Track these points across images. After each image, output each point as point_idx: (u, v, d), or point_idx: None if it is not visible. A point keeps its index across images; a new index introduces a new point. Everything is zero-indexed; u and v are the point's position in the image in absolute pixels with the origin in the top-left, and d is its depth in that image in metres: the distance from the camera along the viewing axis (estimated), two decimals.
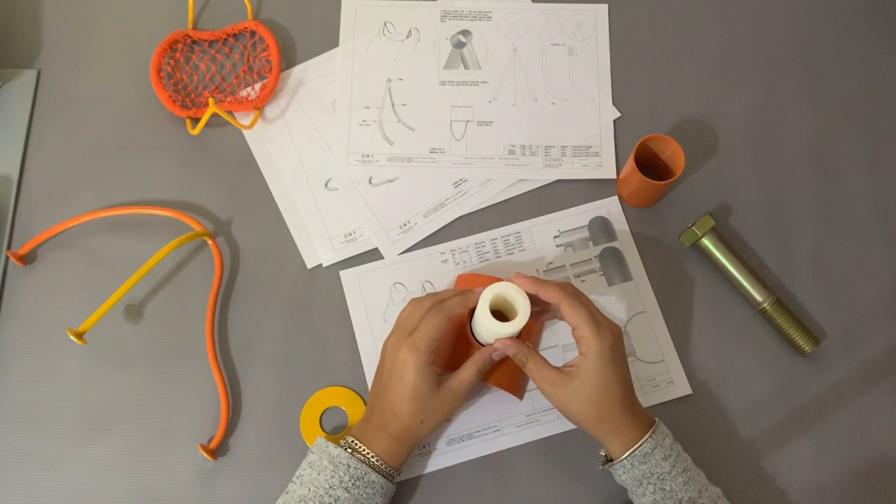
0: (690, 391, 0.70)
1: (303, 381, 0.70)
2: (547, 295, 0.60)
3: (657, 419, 0.61)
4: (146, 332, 0.72)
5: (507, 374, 0.64)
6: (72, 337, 0.63)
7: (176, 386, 0.70)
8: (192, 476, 0.68)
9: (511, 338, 0.61)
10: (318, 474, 0.59)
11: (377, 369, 0.64)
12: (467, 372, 0.62)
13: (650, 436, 0.59)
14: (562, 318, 0.61)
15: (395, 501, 0.67)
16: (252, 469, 0.68)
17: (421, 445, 0.68)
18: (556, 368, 0.60)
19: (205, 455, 0.67)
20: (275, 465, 0.67)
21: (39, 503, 0.67)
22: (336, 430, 0.69)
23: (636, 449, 0.59)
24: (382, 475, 0.60)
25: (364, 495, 0.59)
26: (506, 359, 0.63)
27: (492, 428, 0.69)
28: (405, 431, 0.61)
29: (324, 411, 0.69)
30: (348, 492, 0.58)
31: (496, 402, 0.69)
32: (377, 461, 0.60)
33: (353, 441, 0.61)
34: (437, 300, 0.62)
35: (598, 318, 0.60)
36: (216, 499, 0.67)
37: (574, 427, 0.69)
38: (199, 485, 0.67)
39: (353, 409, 0.69)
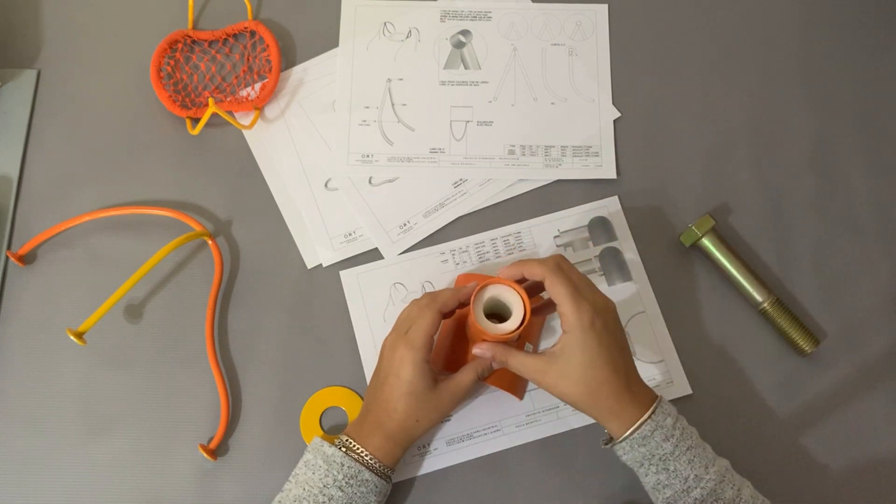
0: (690, 391, 0.70)
1: (303, 381, 0.70)
2: (531, 272, 0.59)
3: (660, 396, 0.59)
4: (146, 332, 0.72)
5: (507, 374, 0.64)
6: (72, 337, 0.63)
7: (176, 386, 0.70)
8: (192, 476, 0.68)
9: (488, 342, 0.60)
10: (313, 473, 0.59)
11: (375, 369, 0.64)
12: (466, 376, 0.62)
13: (649, 417, 0.57)
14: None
15: (394, 501, 0.67)
16: (252, 469, 0.68)
17: (420, 445, 0.68)
18: (538, 355, 0.59)
19: (205, 455, 0.67)
20: (275, 465, 0.67)
21: (39, 503, 0.67)
22: (335, 430, 0.69)
23: (633, 431, 0.57)
24: (376, 474, 0.60)
25: (358, 494, 0.59)
26: None
27: (492, 428, 0.69)
28: (400, 430, 0.61)
29: (324, 411, 0.69)
30: (342, 490, 0.58)
31: (496, 402, 0.69)
32: (371, 460, 0.60)
33: (347, 440, 0.61)
34: (432, 298, 0.62)
35: (580, 292, 0.57)
36: (216, 499, 0.67)
37: (574, 427, 0.69)
38: (199, 485, 0.67)
39: (353, 409, 0.69)
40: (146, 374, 0.70)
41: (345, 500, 0.58)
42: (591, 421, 0.69)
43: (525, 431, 0.69)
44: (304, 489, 0.59)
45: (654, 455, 0.57)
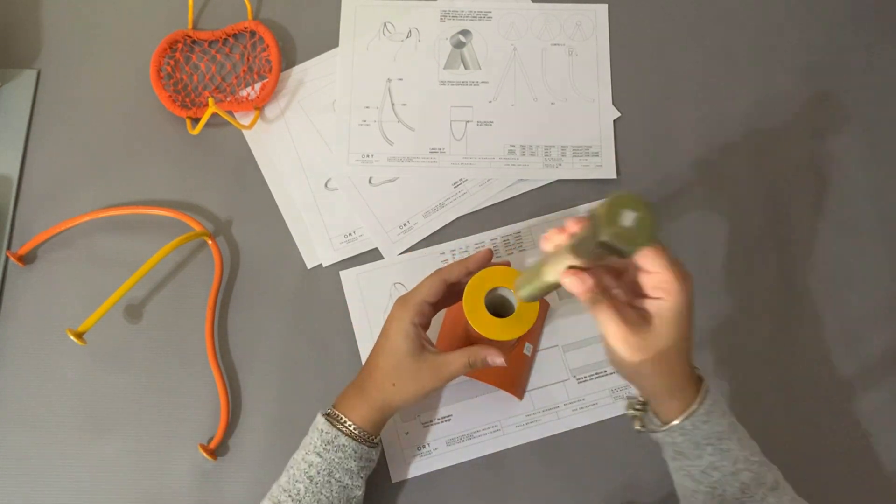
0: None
1: (303, 381, 0.70)
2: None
3: (704, 374, 0.55)
4: (146, 332, 0.72)
5: (507, 373, 0.64)
6: (72, 337, 0.63)
7: (176, 386, 0.70)
8: (192, 476, 0.68)
9: (583, 274, 0.49)
10: (307, 439, 0.60)
11: None
12: (456, 358, 0.59)
13: (707, 392, 0.53)
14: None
15: (395, 501, 0.67)
16: (252, 469, 0.68)
17: (420, 445, 0.68)
18: (634, 309, 0.52)
19: (205, 455, 0.67)
20: (275, 465, 0.67)
21: (39, 503, 0.67)
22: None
23: (698, 408, 0.53)
24: (353, 438, 0.59)
25: (336, 459, 0.58)
26: (506, 358, 0.63)
27: (492, 428, 0.69)
28: (377, 391, 0.60)
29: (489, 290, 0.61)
30: (320, 456, 0.58)
31: (496, 402, 0.69)
32: (350, 425, 0.59)
33: (333, 405, 0.61)
34: (440, 268, 0.62)
35: (676, 260, 0.51)
36: (216, 499, 0.67)
37: (574, 427, 0.69)
38: (199, 485, 0.67)
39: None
40: (146, 374, 0.71)
41: (324, 466, 0.58)
42: (592, 421, 0.69)
43: (525, 431, 0.69)
44: (295, 458, 0.60)
45: (713, 433, 0.54)
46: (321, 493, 0.58)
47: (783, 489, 0.56)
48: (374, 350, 0.62)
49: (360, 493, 0.60)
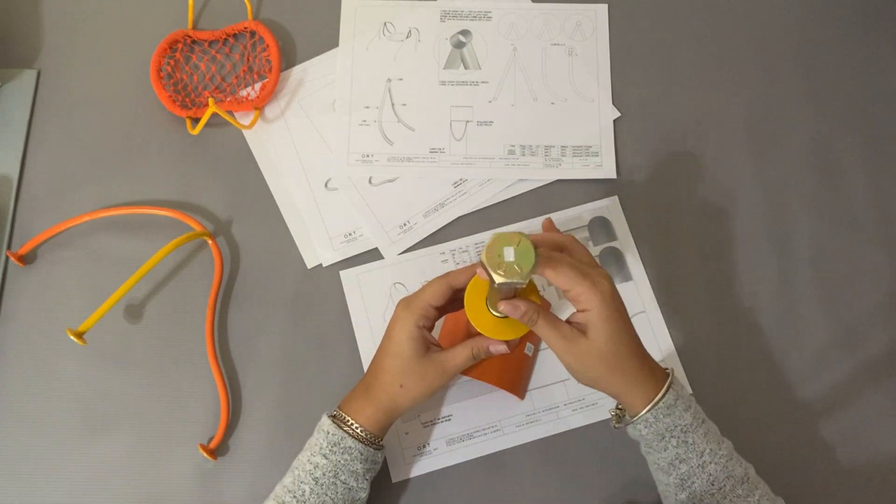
0: (690, 391, 0.70)
1: (303, 381, 0.70)
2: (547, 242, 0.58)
3: (671, 368, 0.58)
4: (146, 332, 0.72)
5: (508, 373, 0.64)
6: (72, 337, 0.63)
7: (176, 386, 0.70)
8: (192, 476, 0.68)
9: (517, 300, 0.55)
10: (312, 440, 0.60)
11: None
12: (460, 352, 0.60)
13: (670, 386, 0.56)
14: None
15: (395, 501, 0.67)
16: (252, 469, 0.68)
17: (420, 445, 0.68)
18: (569, 323, 0.56)
19: (205, 455, 0.67)
20: (275, 465, 0.67)
21: (39, 503, 0.67)
22: None
23: (659, 400, 0.56)
24: (360, 441, 0.59)
25: (342, 461, 0.58)
26: (507, 358, 0.63)
27: (492, 428, 0.69)
28: (384, 394, 0.60)
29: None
30: (326, 458, 0.58)
31: (496, 401, 0.69)
32: (356, 427, 0.59)
33: (338, 407, 0.61)
34: (447, 272, 0.61)
35: (585, 271, 0.55)
36: (216, 499, 0.67)
37: (574, 427, 0.69)
38: (199, 485, 0.67)
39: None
40: (146, 374, 0.71)
41: (330, 467, 0.58)
42: (592, 421, 0.69)
43: (525, 431, 0.69)
44: (299, 459, 0.60)
45: (675, 426, 0.56)
46: (326, 495, 0.58)
47: (754, 483, 0.58)
48: (378, 352, 0.61)
49: (364, 495, 0.60)
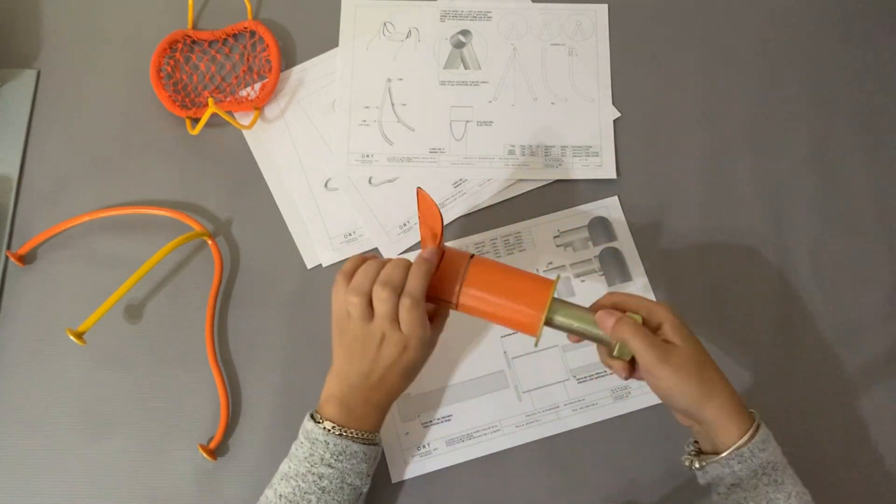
0: None
1: (302, 380, 0.70)
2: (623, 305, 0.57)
3: (743, 397, 0.54)
4: (146, 332, 0.72)
5: (447, 282, 0.59)
6: (72, 337, 0.63)
7: (176, 386, 0.70)
8: (192, 476, 0.68)
9: (609, 310, 0.56)
10: (308, 451, 0.59)
11: (344, 328, 0.59)
12: (436, 322, 0.61)
13: (759, 419, 0.52)
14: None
15: (395, 501, 0.67)
16: (252, 469, 0.68)
17: (420, 445, 0.68)
18: (660, 340, 0.54)
19: (205, 455, 0.67)
20: (275, 465, 0.67)
21: (39, 503, 0.67)
22: None
23: (756, 434, 0.51)
24: (364, 442, 0.59)
25: (349, 466, 0.58)
26: (442, 270, 0.59)
27: (492, 428, 0.69)
28: (390, 396, 0.60)
29: None
30: (331, 467, 0.58)
31: (496, 402, 0.69)
32: (360, 433, 0.59)
33: (334, 420, 0.59)
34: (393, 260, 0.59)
35: (647, 303, 0.56)
36: (216, 499, 0.67)
37: (574, 427, 0.69)
38: (199, 485, 0.67)
39: None
40: (146, 374, 0.71)
41: (336, 475, 0.58)
42: (592, 421, 0.69)
43: (525, 431, 0.69)
44: (296, 469, 0.58)
45: (769, 463, 0.52)
46: (333, 501, 0.58)
47: None
48: (389, 365, 0.58)
49: (367, 488, 0.61)
